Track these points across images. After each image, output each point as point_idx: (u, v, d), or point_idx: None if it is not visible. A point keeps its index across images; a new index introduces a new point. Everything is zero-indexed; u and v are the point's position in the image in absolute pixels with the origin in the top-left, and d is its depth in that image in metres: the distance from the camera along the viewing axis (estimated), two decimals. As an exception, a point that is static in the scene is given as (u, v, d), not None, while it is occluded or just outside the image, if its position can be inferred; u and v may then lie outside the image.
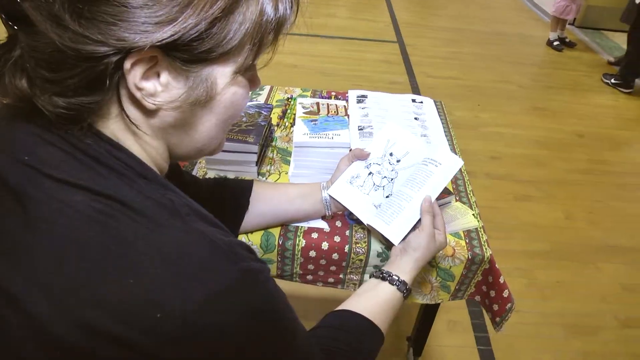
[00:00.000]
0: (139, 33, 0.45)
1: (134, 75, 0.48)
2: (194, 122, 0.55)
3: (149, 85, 0.49)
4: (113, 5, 0.44)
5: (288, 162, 1.19)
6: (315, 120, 1.17)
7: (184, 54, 0.48)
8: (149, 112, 0.52)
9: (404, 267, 0.85)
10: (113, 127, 0.51)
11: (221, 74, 0.52)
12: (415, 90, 3.70)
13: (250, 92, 0.58)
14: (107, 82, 0.47)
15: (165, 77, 0.50)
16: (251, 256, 0.51)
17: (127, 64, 0.47)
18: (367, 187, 0.99)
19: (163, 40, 0.46)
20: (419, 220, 0.91)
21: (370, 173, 1.00)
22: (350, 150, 1.08)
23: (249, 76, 0.57)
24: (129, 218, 0.46)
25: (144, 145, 0.54)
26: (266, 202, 0.95)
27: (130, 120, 0.51)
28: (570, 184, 2.83)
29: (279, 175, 1.15)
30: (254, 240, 0.97)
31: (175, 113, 0.53)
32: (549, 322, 1.98)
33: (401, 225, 0.91)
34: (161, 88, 0.50)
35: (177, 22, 0.46)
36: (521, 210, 2.55)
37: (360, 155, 1.01)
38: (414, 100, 1.43)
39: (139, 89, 0.49)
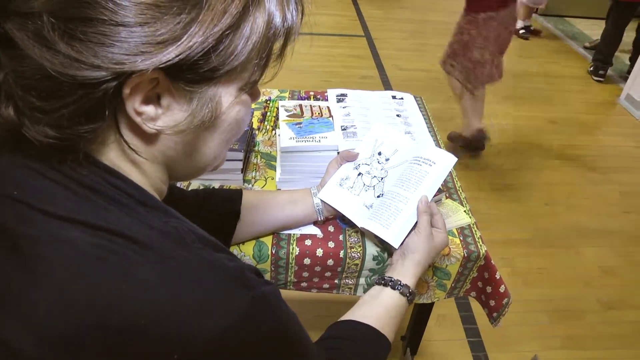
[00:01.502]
0: (139, 55, 0.42)
1: (134, 100, 0.45)
2: (197, 145, 0.53)
3: (149, 109, 0.47)
4: (109, 25, 0.41)
5: (273, 167, 1.18)
6: (300, 123, 1.16)
7: (187, 74, 0.46)
8: (149, 137, 0.50)
9: (405, 271, 0.85)
10: (110, 155, 0.49)
11: (226, 93, 0.50)
12: (387, 84, 3.73)
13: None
14: (106, 109, 0.44)
15: (167, 99, 0.47)
16: (260, 280, 0.50)
17: (127, 90, 0.44)
18: (357, 188, 0.99)
19: (167, 62, 0.43)
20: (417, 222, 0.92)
21: (359, 174, 1.00)
22: (339, 152, 1.07)
23: (252, 92, 0.55)
24: (134, 253, 0.43)
25: (144, 171, 0.52)
26: (257, 210, 0.94)
27: (129, 147, 0.49)
28: (548, 169, 2.90)
29: (265, 181, 1.14)
30: (246, 251, 0.96)
31: (178, 137, 0.51)
32: (534, 309, 2.03)
33: (400, 228, 0.91)
34: (162, 111, 0.48)
35: (182, 41, 0.43)
36: (501, 201, 2.61)
37: (348, 157, 1.01)
38: (394, 97, 1.43)
39: (139, 114, 0.46)
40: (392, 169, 1.00)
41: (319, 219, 0.99)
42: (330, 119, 1.22)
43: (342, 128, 1.20)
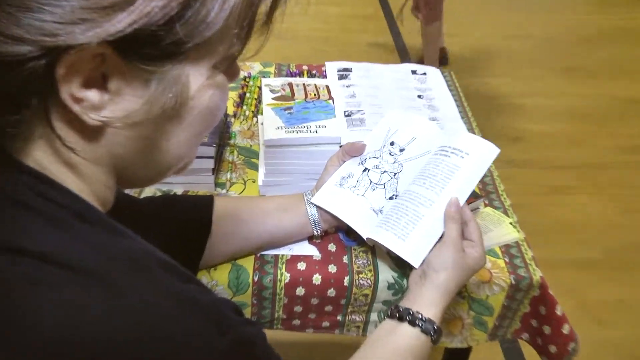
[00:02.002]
0: (78, 23, 0.42)
1: (71, 82, 0.46)
2: (157, 141, 0.54)
3: (92, 94, 0.47)
4: None
5: (254, 167, 1.19)
6: (291, 108, 1.18)
7: (144, 49, 0.47)
8: (91, 132, 0.50)
9: (427, 299, 0.85)
10: (36, 154, 0.49)
11: (195, 72, 0.51)
12: (404, 54, 3.75)
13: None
14: (32, 95, 0.45)
15: (116, 82, 0.48)
16: (241, 319, 0.51)
17: (61, 69, 0.44)
18: (361, 187, 1.01)
19: (116, 34, 0.44)
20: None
21: (365, 169, 1.03)
22: (341, 146, 1.09)
23: (229, 70, 0.56)
24: (73, 284, 0.44)
25: (83, 175, 0.52)
26: (233, 223, 0.95)
27: (64, 143, 0.49)
28: (620, 167, 2.91)
29: (244, 185, 1.15)
30: (218, 278, 0.97)
31: (131, 131, 0.51)
32: (608, 354, 2.04)
33: (421, 240, 0.92)
34: (109, 97, 0.48)
35: (136, 5, 0.44)
36: (558, 207, 2.63)
37: (352, 151, 1.03)
38: (414, 72, 1.45)
39: (78, 101, 0.47)
40: (409, 161, 1.02)
41: (316, 233, 1.01)
42: (330, 102, 1.23)
43: (346, 114, 1.22)
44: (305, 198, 1.01)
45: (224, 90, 0.56)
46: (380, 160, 1.03)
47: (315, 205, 1.00)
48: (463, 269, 0.87)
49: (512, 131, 3.05)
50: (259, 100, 1.40)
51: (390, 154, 1.03)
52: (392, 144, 1.04)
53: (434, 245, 0.91)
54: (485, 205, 1.15)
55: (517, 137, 3.02)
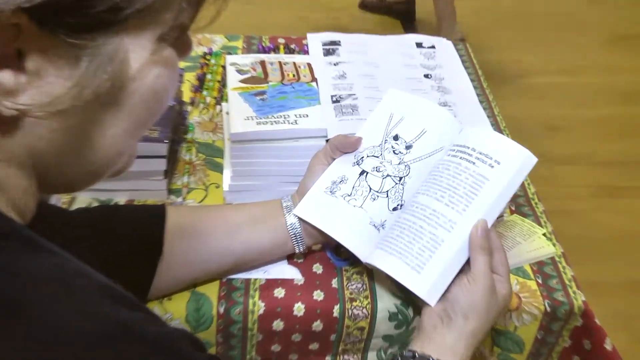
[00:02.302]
0: None
1: None
2: (88, 133, 0.55)
3: (4, 76, 0.48)
4: None
5: (219, 168, 1.20)
6: (263, 93, 1.19)
7: (70, 18, 0.47)
8: (4, 124, 0.51)
9: (449, 348, 0.86)
10: None
11: (136, 46, 0.52)
12: (411, 22, 3.76)
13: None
14: None
15: (35, 60, 0.48)
16: (202, 355, 0.52)
17: None
18: (359, 196, 1.01)
19: (31, 1, 0.44)
20: (467, 262, 0.93)
21: (362, 172, 1.02)
22: (328, 140, 1.09)
23: (178, 43, 0.57)
24: None
25: None
26: (191, 240, 0.96)
27: None
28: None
29: (206, 191, 1.16)
30: (174, 310, 0.97)
31: (56, 122, 0.52)
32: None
33: (440, 273, 0.92)
34: (27, 79, 0.49)
35: None
36: (606, 213, 2.64)
37: (344, 146, 1.03)
38: (420, 45, 1.47)
39: None
40: (417, 162, 1.02)
41: (298, 251, 1.02)
42: (314, 84, 1.24)
43: (334, 99, 1.23)
44: (283, 206, 1.01)
45: (173, 69, 0.57)
46: (382, 161, 1.02)
47: (296, 215, 1.00)
48: (493, 311, 0.90)
49: (546, 118, 3.07)
50: (222, 84, 1.40)
51: (394, 152, 1.03)
52: (395, 138, 1.03)
53: (454, 279, 0.92)
54: (512, 212, 1.16)
55: (552, 125, 3.04)
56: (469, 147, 0.97)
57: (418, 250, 0.93)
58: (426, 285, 0.91)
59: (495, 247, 0.92)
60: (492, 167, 0.94)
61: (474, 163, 0.95)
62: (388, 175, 1.01)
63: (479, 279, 0.89)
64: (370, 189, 1.01)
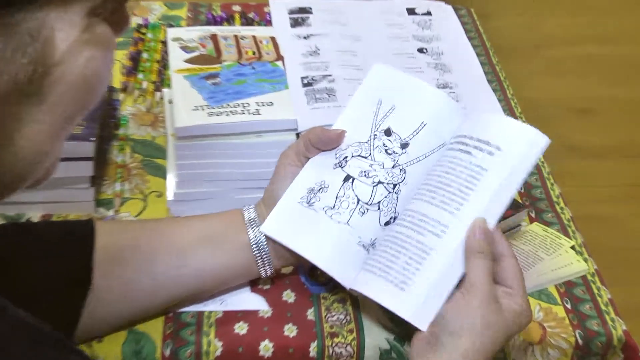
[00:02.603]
0: None
1: None
2: (5, 130, 0.55)
3: None
4: None
5: (160, 172, 1.21)
6: (216, 75, 1.19)
7: None
8: None
9: None
10: None
11: (64, 24, 0.52)
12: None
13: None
14: None
15: None
16: None
17: None
18: (344, 209, 1.00)
19: None
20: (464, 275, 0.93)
21: (348, 178, 1.02)
22: (299, 135, 1.11)
23: (114, 17, 0.57)
24: None
25: None
26: (128, 266, 0.96)
27: None
28: None
29: (144, 201, 1.17)
30: (107, 353, 0.97)
31: None
32: None
33: (430, 289, 0.92)
34: None
35: None
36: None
37: (322, 142, 1.02)
38: (412, 11, 1.48)
39: None
40: (416, 164, 1.02)
41: (264, 275, 1.02)
42: (279, 64, 1.25)
43: (305, 82, 1.24)
44: (245, 219, 1.01)
45: (108, 50, 0.58)
46: (372, 163, 1.02)
47: (262, 231, 1.00)
48: (496, 330, 0.89)
49: (572, 100, 3.08)
50: (163, 65, 1.41)
51: (386, 151, 1.02)
52: (387, 133, 1.03)
53: (450, 296, 0.92)
54: (532, 220, 1.18)
55: (580, 109, 3.05)
56: (465, 136, 0.98)
57: (403, 264, 0.94)
58: (412, 305, 0.92)
59: (501, 252, 0.93)
60: (492, 154, 0.95)
61: (470, 153, 0.96)
62: (380, 183, 1.01)
63: (473, 288, 0.90)
64: (359, 200, 1.00)
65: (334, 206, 1.00)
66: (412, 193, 1.00)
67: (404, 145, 1.02)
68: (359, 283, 0.97)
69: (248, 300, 1.04)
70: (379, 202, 1.01)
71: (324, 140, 1.02)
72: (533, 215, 1.19)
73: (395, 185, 1.01)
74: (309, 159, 1.03)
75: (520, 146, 0.96)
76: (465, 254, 0.92)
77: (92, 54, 0.56)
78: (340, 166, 1.02)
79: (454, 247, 0.93)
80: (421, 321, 0.91)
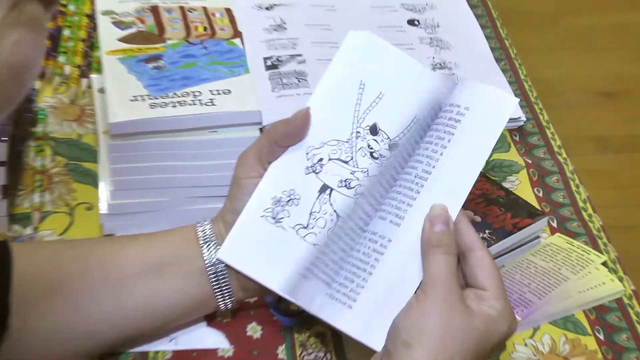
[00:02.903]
0: None
1: None
2: None
3: None
4: None
5: (90, 180, 1.22)
6: (158, 57, 1.21)
7: None
8: None
9: None
10: None
11: None
12: None
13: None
14: None
15: None
16: None
17: None
18: (319, 228, 1.01)
19: None
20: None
21: (324, 189, 1.03)
22: (263, 129, 1.13)
23: None
24: None
25: None
26: (55, 302, 0.96)
27: None
28: None
29: (71, 216, 1.18)
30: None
31: None
32: None
33: (382, 301, 0.94)
34: None
35: None
36: None
37: (287, 137, 1.02)
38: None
39: None
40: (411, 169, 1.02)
41: (223, 308, 1.03)
42: (237, 41, 1.27)
43: (268, 65, 1.26)
44: (199, 238, 1.02)
45: (39, 31, 0.59)
46: (354, 170, 1.02)
47: (219, 257, 1.00)
48: (465, 340, 0.89)
49: (602, 80, 3.11)
50: (90, 45, 1.43)
51: (372, 154, 1.03)
52: (373, 130, 1.04)
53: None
54: (554, 231, 1.20)
55: (612, 91, 3.08)
56: (436, 100, 1.03)
57: (347, 274, 0.96)
58: (361, 322, 0.94)
59: (468, 246, 0.94)
60: (458, 120, 0.98)
61: (438, 125, 1.00)
62: (361, 194, 1.02)
63: (429, 289, 0.90)
64: (338, 216, 1.01)
65: (307, 225, 1.01)
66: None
67: (392, 146, 1.03)
68: (320, 308, 0.97)
69: (204, 336, 1.05)
70: (365, 217, 1.01)
71: (289, 134, 1.02)
72: (555, 224, 1.22)
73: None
74: (272, 163, 1.02)
75: (489, 104, 0.98)
76: (422, 251, 0.94)
77: (20, 37, 0.57)
78: (314, 171, 1.02)
79: (410, 245, 0.94)
80: (372, 339, 0.93)
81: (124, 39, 1.24)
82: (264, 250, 1.00)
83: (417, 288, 0.92)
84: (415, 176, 0.96)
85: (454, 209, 0.93)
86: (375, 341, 0.91)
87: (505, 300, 0.91)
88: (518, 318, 1.05)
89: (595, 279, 1.14)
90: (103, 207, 1.15)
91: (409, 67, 1.06)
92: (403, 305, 0.91)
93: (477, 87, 0.99)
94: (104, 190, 1.16)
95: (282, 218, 1.00)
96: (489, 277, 0.92)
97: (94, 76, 1.31)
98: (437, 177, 0.95)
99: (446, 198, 0.94)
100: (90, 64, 1.39)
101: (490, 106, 0.97)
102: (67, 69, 1.39)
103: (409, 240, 0.94)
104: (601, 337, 1.09)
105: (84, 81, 1.37)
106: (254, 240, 1.00)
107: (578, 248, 1.17)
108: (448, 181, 0.95)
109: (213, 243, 1.02)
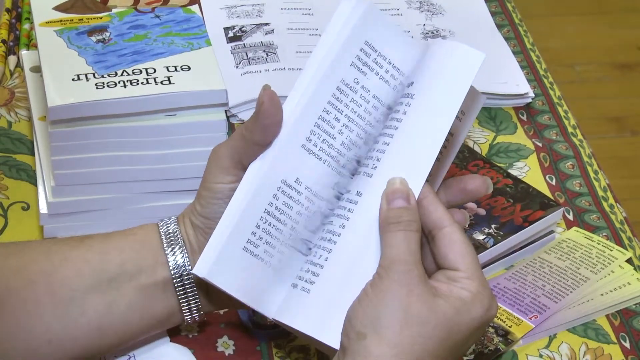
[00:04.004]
0: None
1: None
2: None
3: None
4: None
5: (26, 175, 1.25)
6: (103, 29, 1.23)
7: None
8: None
9: None
10: None
11: None
12: None
13: None
14: None
15: None
16: None
17: None
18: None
19: None
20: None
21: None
22: (229, 119, 1.17)
23: None
24: None
25: None
26: None
27: None
28: None
29: (4, 217, 1.20)
30: None
31: None
32: None
33: (340, 289, 0.97)
34: None
35: None
36: None
37: (262, 131, 1.01)
38: None
39: None
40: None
41: (190, 321, 1.06)
42: (194, 8, 1.29)
43: (230, 36, 1.28)
44: (163, 240, 1.05)
45: None
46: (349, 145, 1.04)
47: (195, 272, 1.00)
48: (432, 327, 0.91)
49: (618, 49, 3.16)
50: (17, 15, 1.45)
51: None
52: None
53: None
54: (570, 225, 1.24)
55: (626, 63, 3.12)
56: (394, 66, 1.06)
57: (311, 261, 1.01)
58: (319, 314, 0.98)
59: (436, 223, 0.97)
60: (411, 96, 1.01)
61: (389, 86, 1.04)
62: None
63: (385, 271, 0.93)
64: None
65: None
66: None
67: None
68: (284, 313, 1.01)
69: (167, 354, 1.08)
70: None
71: (264, 127, 1.01)
72: (571, 217, 1.25)
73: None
74: (254, 161, 1.02)
75: (447, 61, 1.01)
76: (380, 231, 0.97)
77: None
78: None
79: (367, 226, 0.98)
80: (331, 336, 0.95)
81: (60, 7, 1.26)
82: (245, 265, 1.02)
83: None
84: (376, 150, 0.99)
85: (416, 184, 0.96)
86: (332, 337, 0.95)
87: (481, 280, 0.94)
88: (531, 325, 1.10)
89: (619, 279, 1.17)
90: (43, 206, 1.17)
91: (395, 37, 1.09)
92: (359, 293, 0.94)
93: (442, 45, 1.04)
94: (42, 187, 1.18)
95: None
96: (460, 255, 0.95)
97: (24, 52, 1.34)
98: (395, 150, 0.98)
99: (406, 171, 0.96)
100: (18, 39, 1.41)
101: (454, 64, 1.00)
102: (-7, 46, 1.40)
103: (367, 221, 0.97)
104: (627, 345, 1.12)
105: (12, 59, 1.39)
106: (234, 256, 1.01)
107: (598, 244, 1.20)
108: (408, 153, 0.98)
109: (179, 247, 1.04)
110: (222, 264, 1.00)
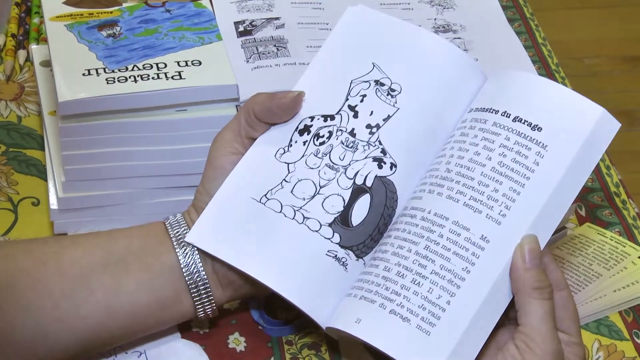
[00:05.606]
0: None
1: None
2: None
3: None
4: None
5: (36, 171, 1.25)
6: (114, 23, 1.23)
7: None
8: None
9: None
10: None
11: None
12: None
13: None
14: None
15: None
16: None
17: None
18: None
19: None
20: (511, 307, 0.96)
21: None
22: (239, 106, 1.16)
23: None
24: None
25: None
26: (2, 293, 0.99)
27: None
28: None
29: (14, 212, 1.20)
30: None
31: None
32: None
33: (464, 329, 0.93)
34: None
35: None
36: None
37: (271, 112, 1.04)
38: None
39: None
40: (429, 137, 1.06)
41: (202, 314, 1.05)
42: (205, 3, 1.29)
43: (241, 30, 1.29)
44: (170, 234, 1.04)
45: None
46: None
47: (197, 249, 1.03)
48: None
49: (625, 44, 3.15)
50: (26, 9, 1.44)
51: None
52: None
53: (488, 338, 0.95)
54: (582, 221, 1.24)
55: (636, 57, 3.12)
56: (497, 111, 1.01)
57: (424, 293, 0.95)
58: (442, 354, 0.93)
59: (555, 283, 0.96)
60: (536, 143, 0.98)
61: (506, 139, 0.99)
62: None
63: (534, 344, 0.92)
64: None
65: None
66: (408, 183, 1.04)
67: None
68: (346, 320, 0.97)
69: (178, 350, 1.07)
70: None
71: (273, 110, 1.04)
72: (583, 213, 1.24)
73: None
74: (255, 139, 1.05)
75: (581, 131, 0.98)
76: (515, 288, 0.95)
77: None
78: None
79: (499, 271, 0.96)
80: None
81: (70, 2, 1.26)
82: (244, 233, 1.02)
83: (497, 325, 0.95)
84: (496, 189, 0.96)
85: (542, 240, 0.95)
86: None
87: (583, 346, 0.96)
88: None
89: (631, 275, 1.16)
90: (53, 202, 1.17)
91: (408, 32, 1.09)
92: (485, 338, 0.94)
93: (565, 95, 1.01)
94: (53, 183, 1.18)
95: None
96: (574, 320, 0.96)
97: (34, 46, 1.33)
98: (527, 201, 0.95)
99: (536, 227, 0.95)
100: (28, 33, 1.41)
101: (582, 130, 0.98)
102: (0, 40, 1.40)
103: (501, 262, 0.95)
104: (641, 351, 1.11)
105: (21, 53, 1.39)
106: (234, 223, 1.03)
107: (611, 240, 1.20)
108: (534, 212, 0.95)
109: (183, 230, 1.04)
110: (219, 231, 1.02)
